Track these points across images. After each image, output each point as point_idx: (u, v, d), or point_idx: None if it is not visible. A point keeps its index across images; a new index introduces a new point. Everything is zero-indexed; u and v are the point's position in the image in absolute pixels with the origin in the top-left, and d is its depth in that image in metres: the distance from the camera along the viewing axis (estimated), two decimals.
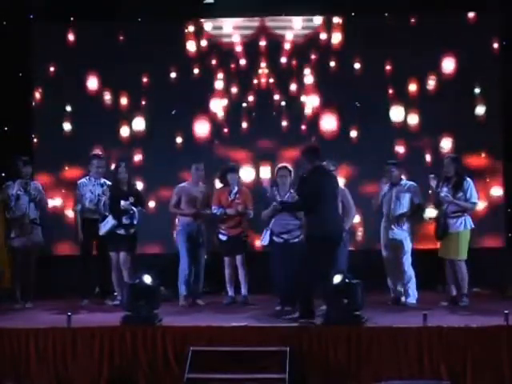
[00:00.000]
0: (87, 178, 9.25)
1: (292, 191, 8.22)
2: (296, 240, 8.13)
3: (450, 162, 8.59)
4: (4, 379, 6.84)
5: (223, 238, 8.99)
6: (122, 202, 8.60)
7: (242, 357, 6.70)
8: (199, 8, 10.31)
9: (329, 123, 10.41)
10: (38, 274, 9.00)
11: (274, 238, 8.20)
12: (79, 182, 9.28)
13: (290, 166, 8.53)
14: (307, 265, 7.18)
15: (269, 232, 8.25)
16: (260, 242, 8.54)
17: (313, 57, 10.45)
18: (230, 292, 8.99)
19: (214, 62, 10.51)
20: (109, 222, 8.66)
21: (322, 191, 7.31)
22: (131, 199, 8.67)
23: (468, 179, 8.56)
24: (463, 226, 8.44)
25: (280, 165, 8.64)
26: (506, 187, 10.19)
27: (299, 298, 7.39)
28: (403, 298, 8.57)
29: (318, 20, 10.47)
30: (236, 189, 8.98)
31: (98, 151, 9.79)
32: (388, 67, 10.38)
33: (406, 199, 8.63)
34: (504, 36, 10.24)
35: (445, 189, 8.50)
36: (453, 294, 8.50)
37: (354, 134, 10.37)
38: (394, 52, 10.30)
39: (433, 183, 8.65)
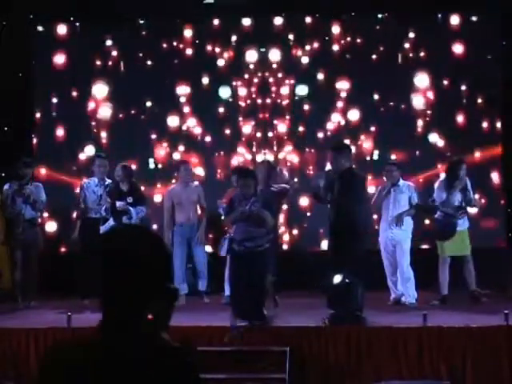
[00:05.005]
0: (91, 179, 9.26)
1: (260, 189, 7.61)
2: (260, 249, 7.21)
3: (464, 166, 8.69)
4: (4, 379, 6.84)
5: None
6: (118, 203, 8.61)
7: (242, 357, 6.70)
8: (199, 8, 10.31)
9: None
10: (40, 273, 9.00)
11: (234, 247, 7.32)
12: (83, 182, 9.28)
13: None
14: (356, 255, 7.32)
15: (227, 241, 7.61)
16: (218, 252, 8.14)
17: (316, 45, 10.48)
18: (227, 291, 8.99)
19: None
20: (110, 225, 8.65)
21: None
22: (129, 199, 8.66)
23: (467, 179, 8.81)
24: (467, 223, 8.73)
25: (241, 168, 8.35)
26: (506, 187, 10.19)
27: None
28: (403, 298, 8.58)
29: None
30: None
31: (100, 151, 9.83)
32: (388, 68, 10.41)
33: (404, 199, 8.67)
34: (504, 36, 10.24)
35: (458, 193, 8.62)
36: (446, 292, 8.59)
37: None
38: (393, 53, 10.34)
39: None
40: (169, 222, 9.08)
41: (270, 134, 10.38)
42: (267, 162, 9.05)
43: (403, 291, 8.56)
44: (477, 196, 9.31)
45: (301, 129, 10.39)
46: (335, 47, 10.42)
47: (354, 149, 10.00)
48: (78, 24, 10.54)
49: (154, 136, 10.43)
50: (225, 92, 10.37)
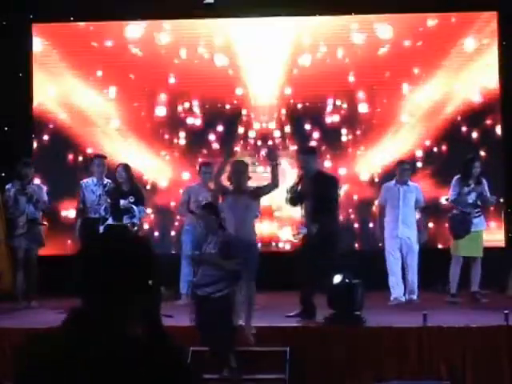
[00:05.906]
0: (89, 178, 9.25)
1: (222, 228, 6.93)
2: (219, 294, 6.63)
3: (478, 164, 8.70)
4: (4, 379, 6.83)
5: None
6: (122, 202, 8.61)
7: (242, 357, 6.69)
8: (199, 8, 10.30)
9: None
10: (41, 273, 8.99)
11: (197, 291, 6.83)
12: (82, 182, 9.26)
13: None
14: (331, 258, 7.37)
15: (187, 284, 7.38)
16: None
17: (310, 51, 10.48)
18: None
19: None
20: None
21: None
22: (131, 199, 8.67)
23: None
24: (484, 223, 8.77)
25: (204, 202, 7.78)
26: (506, 187, 10.19)
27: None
28: (407, 296, 8.58)
29: None
30: None
31: (99, 151, 9.83)
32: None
33: (412, 199, 8.72)
34: (504, 36, 10.24)
35: (472, 191, 8.63)
36: (454, 291, 8.58)
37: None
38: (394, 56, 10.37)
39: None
40: (184, 209, 9.11)
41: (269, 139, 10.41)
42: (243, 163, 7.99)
43: (412, 288, 8.56)
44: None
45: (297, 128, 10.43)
46: (333, 47, 10.44)
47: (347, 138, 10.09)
48: (77, 24, 10.53)
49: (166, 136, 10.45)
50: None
